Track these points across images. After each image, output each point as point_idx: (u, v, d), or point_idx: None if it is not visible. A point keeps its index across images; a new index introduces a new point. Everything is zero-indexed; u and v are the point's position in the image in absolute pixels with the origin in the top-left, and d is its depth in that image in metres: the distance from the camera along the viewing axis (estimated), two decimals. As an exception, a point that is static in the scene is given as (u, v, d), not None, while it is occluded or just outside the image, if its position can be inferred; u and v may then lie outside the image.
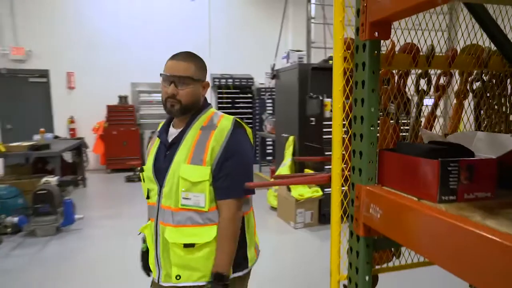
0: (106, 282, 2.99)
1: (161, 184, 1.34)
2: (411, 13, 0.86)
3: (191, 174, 1.27)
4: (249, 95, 8.70)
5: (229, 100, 8.60)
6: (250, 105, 8.74)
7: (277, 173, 4.89)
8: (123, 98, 7.96)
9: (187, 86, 1.32)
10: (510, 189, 0.85)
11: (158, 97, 8.14)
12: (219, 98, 8.53)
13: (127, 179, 6.81)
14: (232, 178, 1.31)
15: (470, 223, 0.66)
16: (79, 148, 6.24)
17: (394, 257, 1.19)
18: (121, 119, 7.78)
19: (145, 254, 1.54)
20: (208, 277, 1.32)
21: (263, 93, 8.69)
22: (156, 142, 1.44)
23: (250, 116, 8.75)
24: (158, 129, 1.49)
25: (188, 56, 1.36)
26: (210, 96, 8.60)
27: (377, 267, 1.15)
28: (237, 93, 8.62)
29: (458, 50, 1.14)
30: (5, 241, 3.84)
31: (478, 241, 0.61)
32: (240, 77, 8.57)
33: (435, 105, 1.19)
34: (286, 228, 4.29)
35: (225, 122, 1.35)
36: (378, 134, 1.12)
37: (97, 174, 7.50)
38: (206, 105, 1.43)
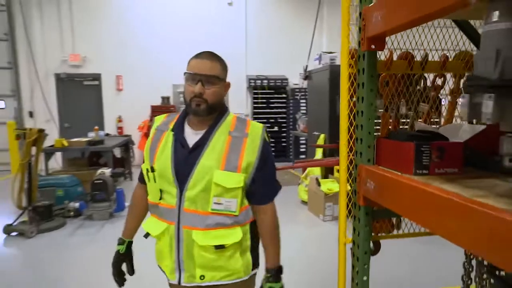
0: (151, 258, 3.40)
1: (182, 188, 1.29)
2: (398, 31, 1.12)
3: (225, 180, 1.26)
4: (283, 95, 8.97)
5: (264, 101, 8.92)
6: (284, 105, 9.00)
7: (308, 169, 5.14)
8: (165, 99, 8.55)
9: (213, 85, 1.29)
10: (476, 167, 1.07)
11: (197, 97, 8.65)
12: (255, 98, 8.88)
13: (169, 174, 7.35)
14: (271, 183, 1.37)
15: (430, 186, 0.91)
16: (126, 145, 6.85)
17: (393, 229, 1.43)
18: (164, 118, 8.36)
19: (120, 257, 1.50)
20: (231, 276, 1.34)
21: (297, 93, 8.91)
22: (166, 139, 1.35)
23: (284, 115, 9.01)
24: (158, 124, 1.42)
25: (213, 56, 1.33)
26: (246, 96, 8.99)
27: (378, 235, 1.40)
28: (272, 93, 8.91)
29: (450, 56, 1.36)
30: (68, 223, 4.43)
31: (435, 199, 0.86)
32: (275, 78, 8.87)
33: (433, 102, 1.41)
34: (315, 221, 4.52)
35: (256, 130, 1.35)
36: (380, 126, 1.38)
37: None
38: (225, 107, 1.40)
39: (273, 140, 9.01)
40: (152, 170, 1.34)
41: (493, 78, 0.75)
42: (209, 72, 1.28)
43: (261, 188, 1.34)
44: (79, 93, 8.52)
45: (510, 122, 0.77)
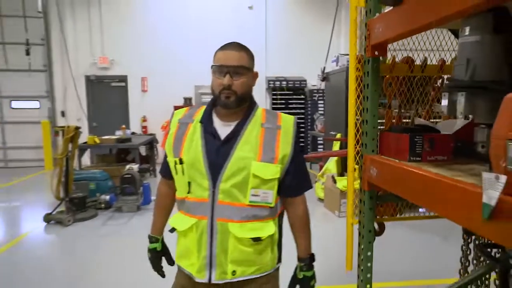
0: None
1: (215, 180, 1.27)
2: (396, 39, 1.32)
3: (263, 171, 1.27)
4: (302, 96, 9.14)
5: (283, 101, 9.12)
6: (303, 105, 9.17)
7: (324, 168, 5.31)
8: (187, 100, 8.89)
9: (242, 76, 1.28)
10: (465, 155, 1.26)
11: (218, 98, 8.98)
12: (274, 99, 9.10)
13: (190, 172, 7.66)
14: (303, 175, 1.39)
15: (421, 169, 1.11)
16: (151, 143, 7.22)
17: (396, 214, 1.62)
18: (186, 118, 8.70)
19: (159, 254, 1.53)
20: (260, 270, 1.33)
21: (315, 94, 9.07)
22: (194, 131, 1.33)
23: (303, 116, 9.18)
24: (180, 117, 1.39)
25: (239, 46, 1.31)
26: (265, 97, 9.21)
27: (383, 217, 1.59)
28: (291, 94, 9.11)
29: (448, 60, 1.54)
30: (100, 214, 4.78)
31: (424, 179, 1.05)
32: (293, 79, 9.06)
33: (432, 101, 1.59)
34: (331, 218, 4.69)
35: (289, 122, 1.37)
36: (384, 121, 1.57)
37: (164, 167, 8.50)
38: (254, 103, 1.39)
39: (291, 140, 9.19)
40: (181, 162, 1.30)
41: (465, 80, 0.94)
42: (236, 63, 1.26)
43: (295, 180, 1.35)
44: (107, 94, 8.99)
45: (479, 115, 0.96)
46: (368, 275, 1.49)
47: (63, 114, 8.76)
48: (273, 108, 9.11)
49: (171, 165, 1.35)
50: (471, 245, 1.71)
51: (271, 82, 9.01)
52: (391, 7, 1.15)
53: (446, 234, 3.92)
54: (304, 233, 1.41)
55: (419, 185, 1.07)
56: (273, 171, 1.28)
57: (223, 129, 1.33)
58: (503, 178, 0.67)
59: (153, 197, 5.01)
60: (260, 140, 1.30)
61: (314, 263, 1.42)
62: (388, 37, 1.27)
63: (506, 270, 1.46)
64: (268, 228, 1.32)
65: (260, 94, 9.21)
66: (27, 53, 8.13)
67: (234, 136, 1.30)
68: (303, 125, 9.21)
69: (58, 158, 4.34)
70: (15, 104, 8.66)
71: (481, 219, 0.76)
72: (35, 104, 8.72)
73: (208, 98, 8.98)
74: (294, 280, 1.42)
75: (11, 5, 8.20)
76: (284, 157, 1.31)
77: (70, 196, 4.44)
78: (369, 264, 1.48)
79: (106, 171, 5.28)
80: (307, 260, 1.40)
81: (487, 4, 0.77)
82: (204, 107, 1.39)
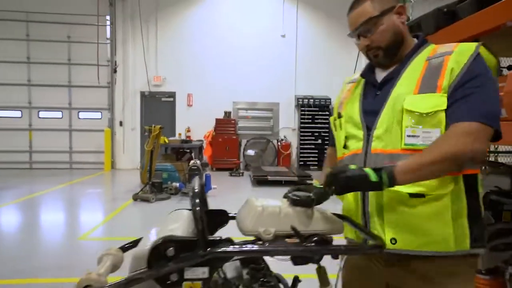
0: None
1: (370, 127, 1.12)
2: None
3: (420, 104, 1.03)
4: (327, 112, 10.34)
5: (310, 117, 10.33)
6: (327, 121, 10.29)
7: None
8: (227, 113, 10.22)
9: (375, 27, 1.12)
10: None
11: (252, 113, 10.31)
12: (302, 115, 10.33)
13: (230, 174, 8.88)
14: (472, 101, 1.00)
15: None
16: (201, 147, 8.50)
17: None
18: (225, 130, 10.01)
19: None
20: (434, 245, 1.02)
21: (339, 111, 10.25)
22: (356, 87, 1.27)
23: (327, 130, 10.36)
24: (347, 81, 1.35)
25: (358, 1, 1.16)
26: (294, 113, 10.47)
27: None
28: (317, 111, 10.32)
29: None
30: (171, 198, 6.00)
31: None
32: (319, 98, 10.30)
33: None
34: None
35: (466, 45, 1.08)
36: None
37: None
38: (422, 42, 1.18)
39: (316, 151, 10.34)
40: (339, 116, 1.26)
41: None
42: (359, 22, 1.13)
43: (457, 105, 1.01)
44: (158, 107, 10.42)
45: None
46: None
47: (121, 123, 10.20)
48: (301, 123, 10.33)
49: (331, 122, 1.33)
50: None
51: (300, 100, 10.28)
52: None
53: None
54: (420, 155, 1.00)
55: None
56: (437, 101, 1.03)
57: (384, 74, 1.19)
58: None
59: (213, 186, 6.20)
60: (422, 72, 1.09)
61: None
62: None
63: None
64: (441, 184, 1.02)
65: (290, 110, 10.49)
66: (98, 73, 9.65)
67: (393, 77, 1.14)
68: (326, 139, 10.35)
69: (146, 150, 5.63)
70: (82, 115, 10.18)
71: None
72: (97, 115, 10.22)
73: (244, 112, 10.33)
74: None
75: (86, 34, 9.84)
76: (451, 80, 1.03)
77: (152, 181, 5.69)
78: None
79: (173, 165, 6.54)
80: (383, 168, 1.00)
81: None
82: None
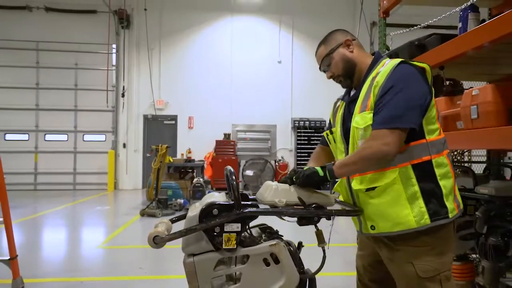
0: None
1: (347, 142, 1.41)
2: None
3: (359, 121, 1.31)
4: (322, 134, 10.80)
5: (306, 138, 10.78)
6: (323, 141, 10.80)
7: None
8: (226, 135, 10.65)
9: (331, 61, 1.45)
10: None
11: (251, 135, 10.77)
12: (298, 136, 10.79)
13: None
14: (385, 109, 1.26)
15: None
16: (203, 167, 8.86)
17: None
18: (225, 151, 10.40)
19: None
20: (400, 226, 1.29)
21: (334, 132, 10.73)
22: (341, 107, 1.53)
23: (323, 150, 10.78)
24: (336, 101, 1.63)
25: (319, 44, 1.51)
26: (291, 135, 10.93)
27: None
28: (312, 132, 10.78)
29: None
30: (176, 213, 6.29)
31: None
32: (315, 120, 10.80)
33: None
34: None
35: (393, 62, 1.33)
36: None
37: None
38: (376, 58, 1.43)
39: (313, 171, 10.69)
40: (331, 132, 1.57)
41: None
42: (319, 61, 1.50)
43: (377, 114, 1.28)
44: (160, 130, 10.83)
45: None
46: None
47: (124, 145, 10.57)
48: (298, 144, 10.76)
49: (325, 135, 1.65)
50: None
51: (296, 122, 10.77)
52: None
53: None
54: (349, 156, 1.35)
55: None
56: (367, 118, 1.30)
57: (351, 95, 1.51)
58: None
59: (215, 202, 6.53)
60: (365, 92, 1.36)
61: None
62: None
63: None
64: (385, 177, 1.29)
65: (287, 132, 10.95)
66: (107, 98, 10.09)
67: (355, 98, 1.41)
68: (323, 159, 10.74)
69: (153, 168, 5.98)
70: (86, 137, 10.55)
71: None
72: (101, 137, 10.60)
73: (243, 134, 10.77)
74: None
75: (92, 61, 10.39)
76: (375, 95, 1.30)
77: (158, 197, 6.01)
78: None
79: (177, 183, 6.87)
80: (326, 166, 1.34)
81: None
82: None
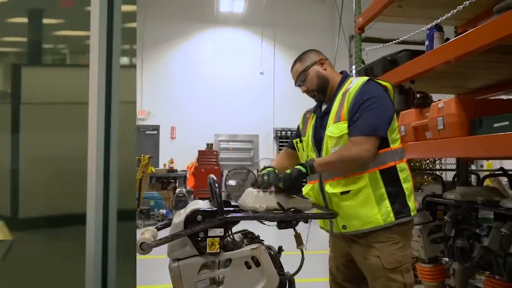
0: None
1: (319, 150, 1.54)
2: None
3: (334, 131, 1.46)
4: (302, 143, 11.00)
5: (288, 147, 10.94)
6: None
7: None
8: (209, 145, 10.67)
9: (306, 77, 1.58)
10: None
11: (234, 144, 10.84)
12: (280, 146, 10.91)
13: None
14: (363, 119, 1.42)
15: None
16: (185, 177, 8.84)
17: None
18: (208, 161, 10.41)
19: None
20: (369, 224, 1.44)
21: (315, 142, 10.94)
22: (311, 118, 1.67)
23: (304, 160, 10.96)
24: (304, 114, 1.78)
25: (295, 61, 1.66)
26: (273, 144, 11.05)
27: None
28: (294, 142, 10.96)
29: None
30: (158, 223, 6.24)
31: None
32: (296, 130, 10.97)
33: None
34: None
35: (362, 79, 1.53)
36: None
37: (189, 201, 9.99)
38: (344, 76, 1.61)
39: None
40: (301, 141, 1.69)
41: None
42: (295, 76, 1.63)
43: (354, 125, 1.44)
44: (142, 140, 10.71)
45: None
46: None
47: (105, 156, 10.40)
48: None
49: (294, 143, 1.77)
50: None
51: (278, 132, 10.93)
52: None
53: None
54: (330, 156, 1.48)
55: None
56: (341, 127, 1.46)
57: (323, 108, 1.65)
58: None
59: (198, 212, 6.52)
60: (337, 105, 1.52)
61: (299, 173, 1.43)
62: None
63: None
64: (358, 181, 1.44)
65: (269, 142, 11.08)
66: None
67: (328, 111, 1.56)
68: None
69: (136, 179, 5.94)
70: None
71: None
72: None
73: (225, 144, 10.82)
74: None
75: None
76: (348, 108, 1.47)
77: (141, 208, 5.96)
78: None
79: (159, 193, 6.84)
80: (307, 162, 1.46)
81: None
82: None
